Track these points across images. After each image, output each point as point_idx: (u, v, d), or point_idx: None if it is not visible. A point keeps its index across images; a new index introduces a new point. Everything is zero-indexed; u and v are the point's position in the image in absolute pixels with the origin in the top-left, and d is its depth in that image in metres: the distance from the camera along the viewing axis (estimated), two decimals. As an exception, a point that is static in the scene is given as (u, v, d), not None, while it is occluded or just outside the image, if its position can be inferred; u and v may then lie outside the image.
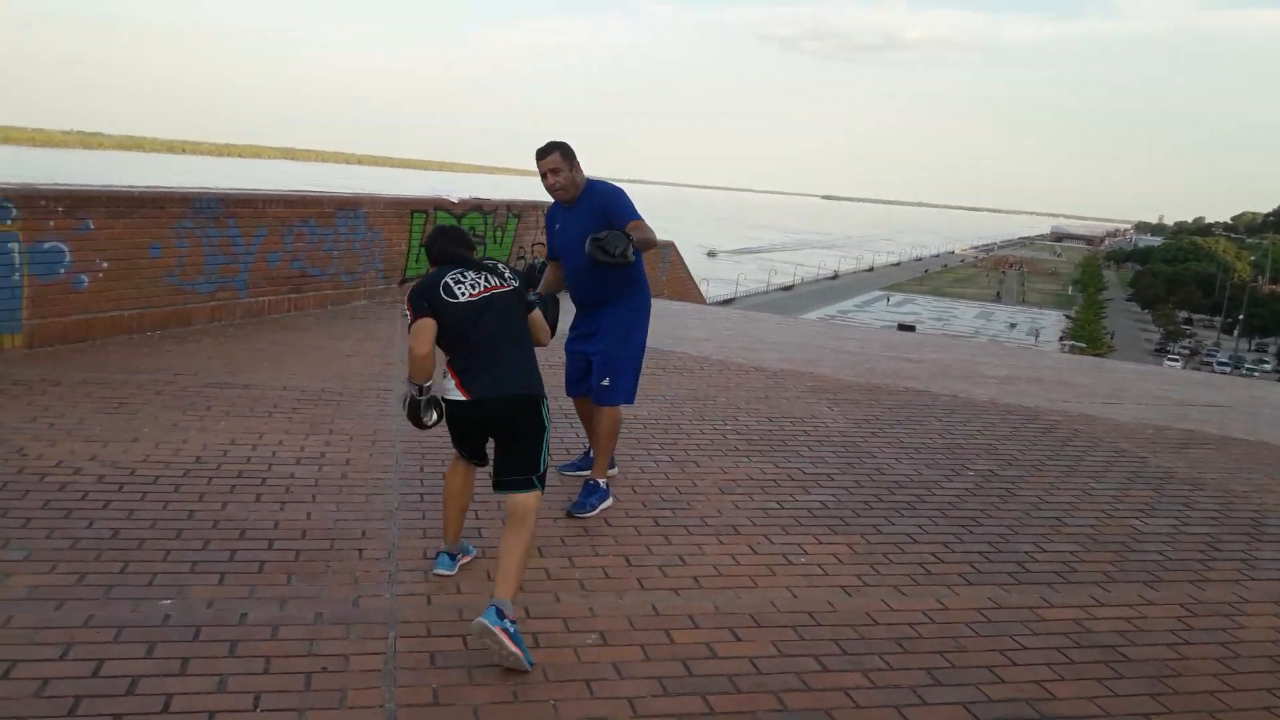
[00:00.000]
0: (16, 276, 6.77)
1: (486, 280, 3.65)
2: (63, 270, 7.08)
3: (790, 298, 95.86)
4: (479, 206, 11.83)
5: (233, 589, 3.62)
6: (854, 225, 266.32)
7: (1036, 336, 70.99)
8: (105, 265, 7.37)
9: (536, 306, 3.90)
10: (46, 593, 3.46)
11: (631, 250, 4.51)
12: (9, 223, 6.65)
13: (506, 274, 3.73)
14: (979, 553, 4.60)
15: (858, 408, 7.31)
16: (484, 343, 3.59)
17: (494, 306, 3.62)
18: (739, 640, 3.54)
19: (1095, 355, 60.90)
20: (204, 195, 8.17)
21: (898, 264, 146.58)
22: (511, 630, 3.17)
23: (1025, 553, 4.65)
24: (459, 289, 3.60)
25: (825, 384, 8.09)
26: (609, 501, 4.84)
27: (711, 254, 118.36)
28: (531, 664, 3.21)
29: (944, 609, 3.97)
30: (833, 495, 5.26)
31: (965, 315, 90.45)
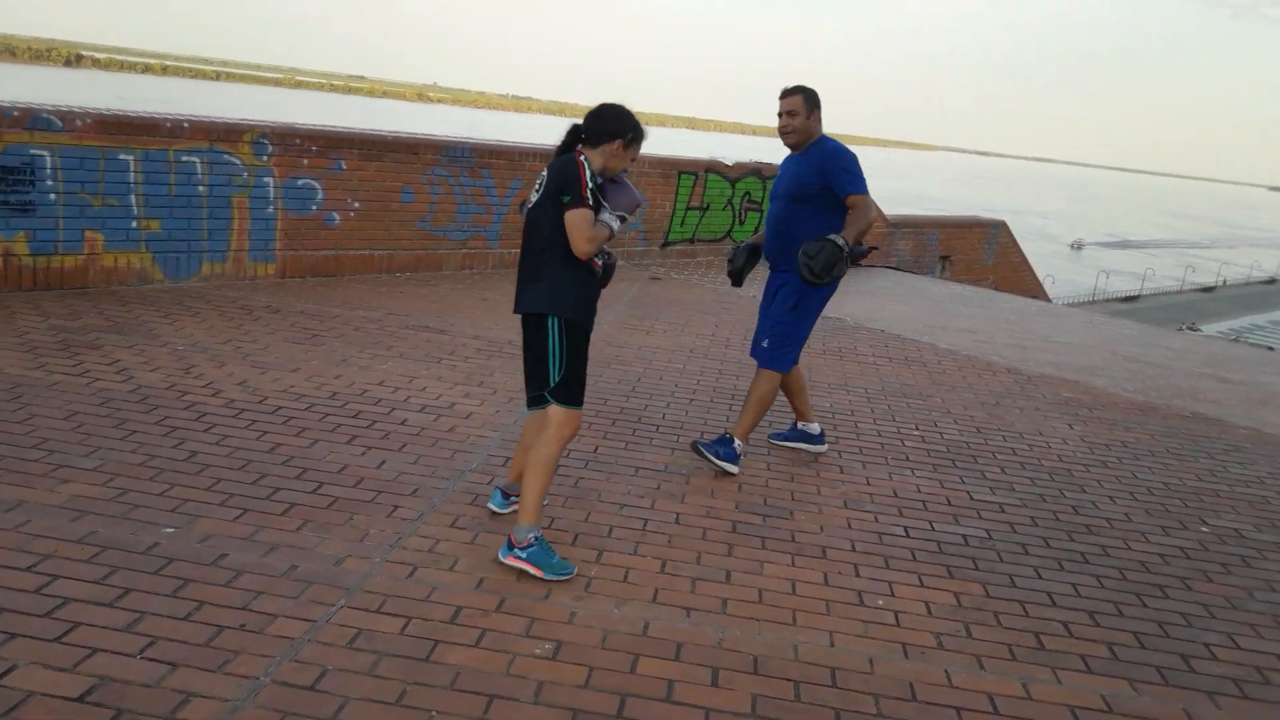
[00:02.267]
0: (271, 210, 7.37)
1: (535, 191, 3.50)
2: (315, 207, 7.61)
3: (1208, 300, 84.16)
4: (758, 170, 11.32)
5: (240, 526, 3.58)
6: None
7: None
8: (356, 205, 7.85)
9: (575, 206, 3.35)
10: (79, 503, 3.61)
11: (844, 264, 4.29)
12: (265, 159, 7.24)
13: (541, 183, 3.48)
14: (1134, 633, 3.52)
15: (1108, 430, 6.04)
16: (521, 256, 3.57)
17: (528, 220, 3.51)
18: (713, 686, 2.93)
19: None
20: (457, 144, 8.44)
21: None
22: (525, 555, 3.40)
23: (1205, 645, 3.50)
24: (534, 195, 3.52)
25: (1086, 397, 6.80)
26: (733, 468, 4.61)
27: (1077, 245, 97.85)
28: (571, 571, 3.43)
29: (1025, 698, 3.05)
30: (986, 530, 4.31)
31: None
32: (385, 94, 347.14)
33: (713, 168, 10.87)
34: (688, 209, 10.69)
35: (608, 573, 3.55)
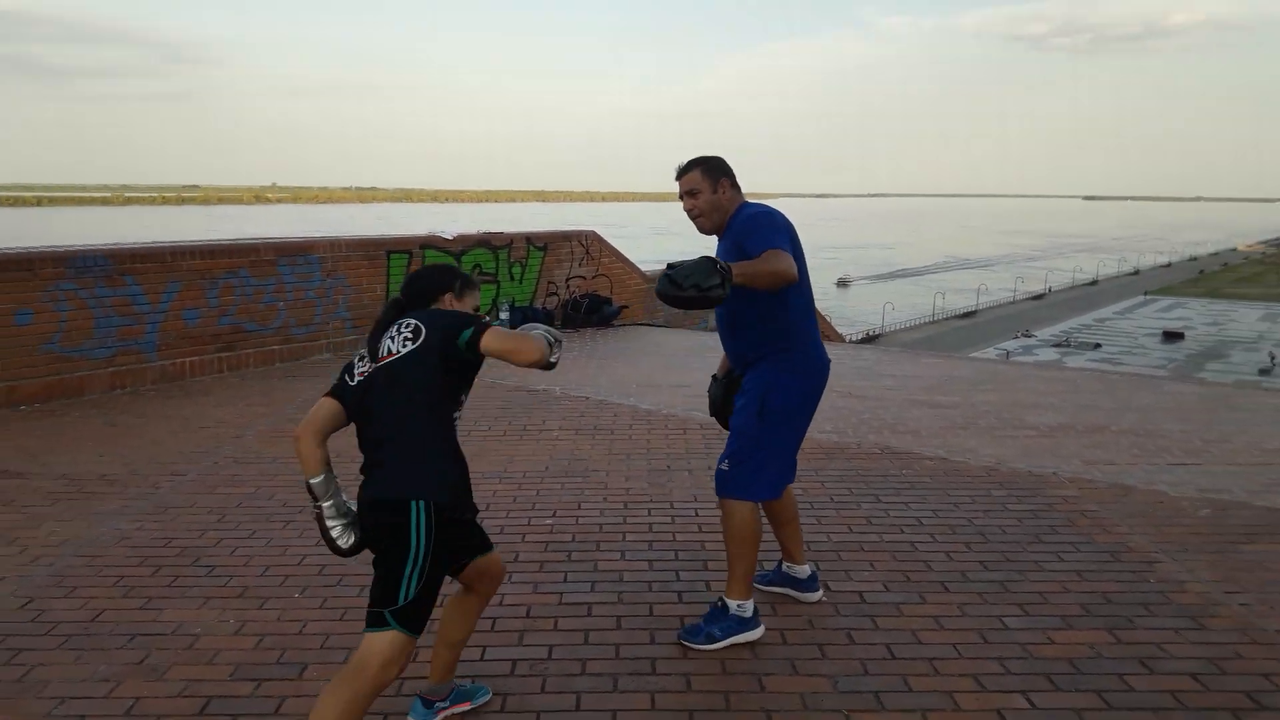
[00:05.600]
0: None
1: (387, 347, 2.72)
2: (-109, 345, 6.51)
3: (1040, 307, 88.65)
4: (486, 241, 10.70)
5: None
6: (1120, 226, 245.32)
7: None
8: (-47, 336, 6.77)
9: (483, 327, 2.61)
10: None
11: (719, 285, 3.14)
12: None
13: (411, 330, 2.68)
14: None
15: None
16: (367, 434, 2.75)
17: (378, 384, 2.70)
18: None
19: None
20: (86, 253, 7.46)
21: (1168, 265, 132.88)
22: None
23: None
24: (360, 364, 2.81)
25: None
26: (752, 633, 3.61)
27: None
28: None
29: None
30: (548, 649, 3.57)
31: (1247, 318, 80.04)
32: (221, 200, 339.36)
33: (430, 243, 10.15)
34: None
35: None
